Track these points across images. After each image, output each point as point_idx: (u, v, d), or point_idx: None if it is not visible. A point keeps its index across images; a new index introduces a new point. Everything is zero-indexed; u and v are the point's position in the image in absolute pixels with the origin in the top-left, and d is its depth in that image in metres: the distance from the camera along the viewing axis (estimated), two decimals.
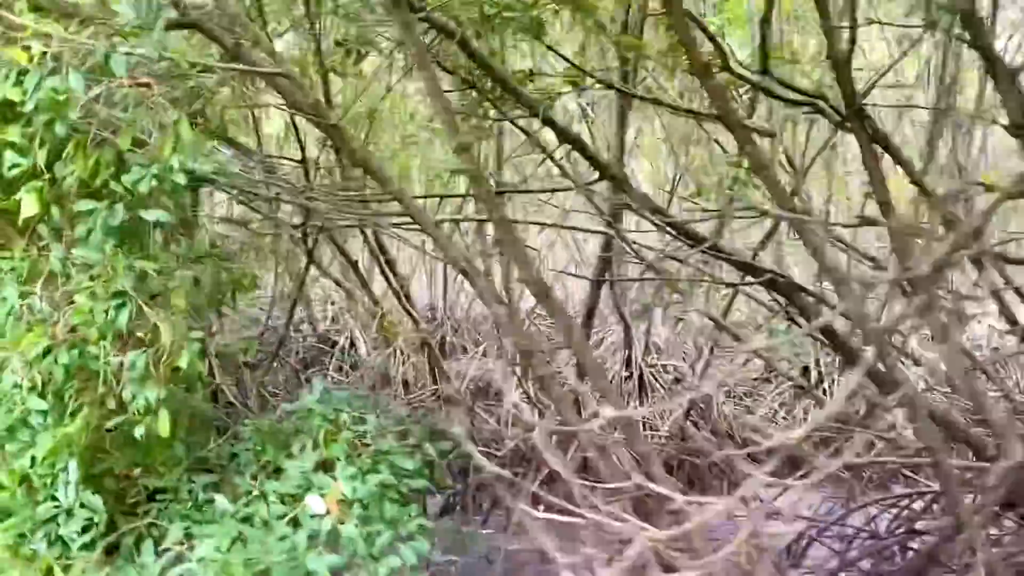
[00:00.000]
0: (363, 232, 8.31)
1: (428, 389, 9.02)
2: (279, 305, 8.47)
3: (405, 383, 9.33)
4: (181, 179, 3.35)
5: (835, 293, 4.43)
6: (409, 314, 8.51)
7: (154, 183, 3.35)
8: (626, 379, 9.67)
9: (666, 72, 6.19)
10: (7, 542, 3.49)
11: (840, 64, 4.29)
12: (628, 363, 9.71)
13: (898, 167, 4.84)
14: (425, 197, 7.22)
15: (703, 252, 5.28)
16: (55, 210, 3.48)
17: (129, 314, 3.44)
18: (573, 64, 5.48)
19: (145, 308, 3.52)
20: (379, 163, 4.25)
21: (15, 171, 3.38)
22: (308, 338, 10.10)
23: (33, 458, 3.53)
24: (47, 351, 3.40)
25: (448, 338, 11.34)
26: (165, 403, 3.49)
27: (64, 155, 3.39)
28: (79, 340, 3.43)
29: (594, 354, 9.35)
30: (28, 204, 3.40)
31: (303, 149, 6.69)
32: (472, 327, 12.08)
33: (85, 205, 3.43)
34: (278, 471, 4.04)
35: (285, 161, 6.85)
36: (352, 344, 10.07)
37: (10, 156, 3.39)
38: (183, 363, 3.54)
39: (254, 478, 3.95)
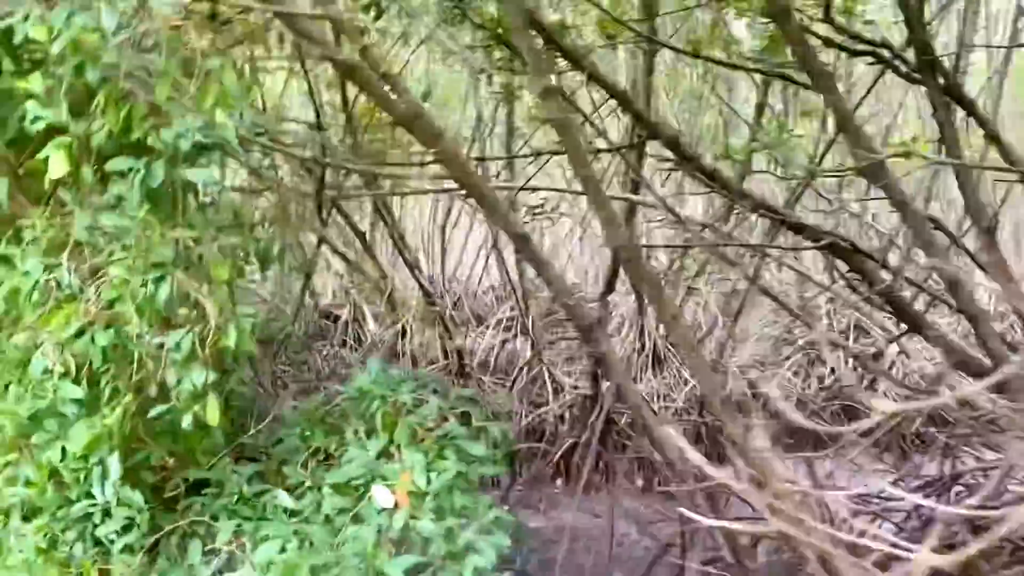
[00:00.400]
0: (374, 202, 7.90)
1: (439, 364, 8.67)
2: (285, 278, 8.04)
3: (413, 358, 8.96)
4: (231, 135, 2.94)
5: (923, 252, 4.15)
6: (422, 287, 8.13)
7: (198, 138, 2.94)
8: (639, 352, 9.44)
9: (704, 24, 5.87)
10: (38, 544, 3.10)
11: (912, 12, 3.97)
12: (641, 334, 9.49)
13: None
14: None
15: (760, 216, 4.95)
16: (85, 170, 3.03)
17: (170, 289, 3.04)
18: (608, 13, 5.10)
19: (186, 282, 3.12)
20: (431, 120, 3.83)
21: (39, 124, 2.93)
22: (311, 313, 9.65)
23: (64, 450, 3.13)
24: (80, 331, 2.99)
25: (448, 312, 10.99)
26: (214, 387, 3.10)
27: (94, 106, 2.95)
28: (115, 318, 3.03)
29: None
30: (56, 163, 2.95)
31: (318, 114, 6.25)
32: (472, 300, 11.77)
33: (120, 164, 3.00)
34: (328, 459, 3.68)
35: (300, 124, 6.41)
36: (356, 319, 9.66)
37: (32, 107, 2.94)
38: (230, 342, 3.15)
39: (304, 467, 3.58)
